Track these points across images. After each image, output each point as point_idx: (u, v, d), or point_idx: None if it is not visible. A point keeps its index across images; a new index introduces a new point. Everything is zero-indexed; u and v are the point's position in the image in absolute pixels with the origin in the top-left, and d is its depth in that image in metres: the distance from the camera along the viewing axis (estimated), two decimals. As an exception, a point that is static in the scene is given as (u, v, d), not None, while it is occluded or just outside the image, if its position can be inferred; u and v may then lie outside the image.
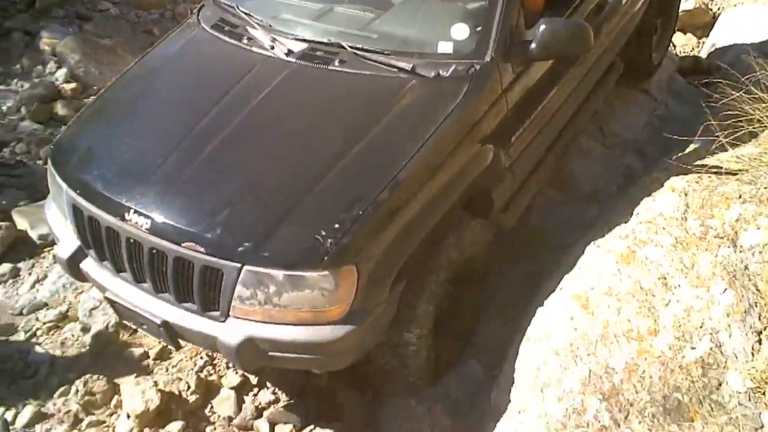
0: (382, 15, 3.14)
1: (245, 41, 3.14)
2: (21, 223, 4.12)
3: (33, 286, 3.77)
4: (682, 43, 5.82)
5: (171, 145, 2.72)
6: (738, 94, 3.11)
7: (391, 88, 2.80)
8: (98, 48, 5.49)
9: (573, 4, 3.35)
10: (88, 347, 3.34)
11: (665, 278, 2.58)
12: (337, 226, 2.36)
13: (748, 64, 3.33)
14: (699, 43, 5.87)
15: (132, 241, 2.55)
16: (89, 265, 2.78)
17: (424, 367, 2.86)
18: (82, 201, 2.70)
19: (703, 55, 5.45)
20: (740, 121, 3.08)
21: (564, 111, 3.53)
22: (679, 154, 3.35)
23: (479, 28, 2.92)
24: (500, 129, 2.92)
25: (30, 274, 3.84)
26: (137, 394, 2.99)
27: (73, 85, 5.27)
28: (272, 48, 3.04)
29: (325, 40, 3.00)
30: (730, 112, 3.13)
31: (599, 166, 4.10)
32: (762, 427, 2.01)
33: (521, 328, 2.93)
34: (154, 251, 2.50)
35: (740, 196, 2.83)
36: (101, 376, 3.16)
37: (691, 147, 3.37)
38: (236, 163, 2.67)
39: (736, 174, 3.00)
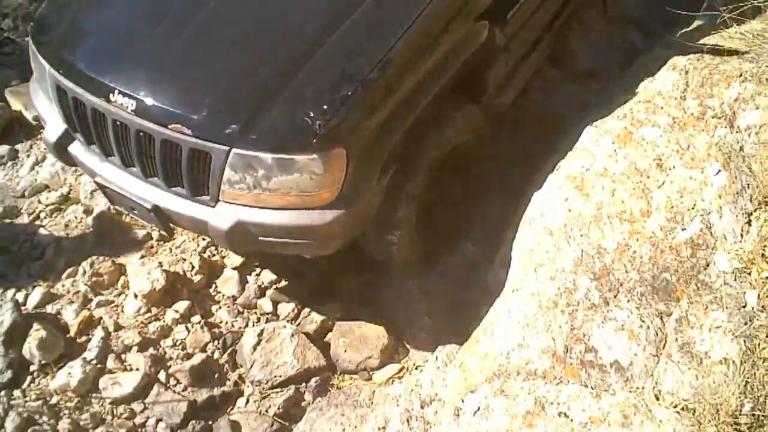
0: None
1: None
2: (15, 103, 4.08)
3: (32, 168, 3.79)
4: None
5: (155, 21, 2.63)
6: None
7: None
8: None
9: None
10: (91, 229, 3.40)
11: (660, 159, 2.59)
12: (325, 107, 2.31)
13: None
14: None
15: (118, 123, 2.51)
16: (77, 148, 2.75)
17: (410, 259, 2.91)
18: (65, 81, 2.62)
19: None
20: (747, -5, 2.99)
21: None
22: (682, 31, 3.26)
23: None
24: (496, 4, 2.81)
25: (28, 156, 3.85)
26: (143, 275, 3.08)
27: (57, -45, 5.05)
28: None
29: None
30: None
31: (600, 42, 4.00)
32: (745, 305, 2.09)
33: (518, 210, 2.98)
34: (141, 134, 2.47)
35: (741, 75, 2.80)
36: (107, 258, 3.25)
37: (695, 23, 3.28)
38: (223, 42, 2.58)
39: (739, 52, 2.95)
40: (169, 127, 2.38)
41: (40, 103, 2.90)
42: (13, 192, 3.68)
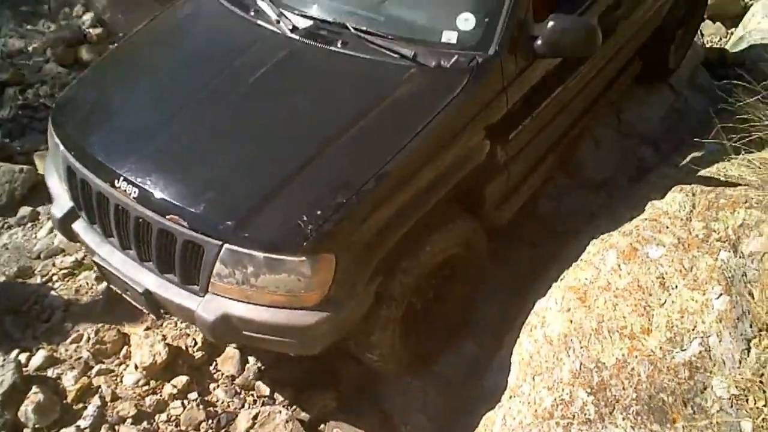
0: None
1: (252, 13, 3.12)
2: (41, 167, 4.21)
3: (51, 231, 3.87)
4: (711, 32, 5.76)
5: (167, 116, 2.75)
6: (752, 100, 3.12)
7: (390, 75, 2.76)
8: (126, -5, 5.54)
9: (587, 2, 3.24)
10: (101, 296, 3.46)
11: (663, 278, 2.64)
12: (319, 212, 2.36)
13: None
14: (728, 33, 5.81)
15: (120, 208, 2.60)
16: (80, 226, 2.84)
17: (393, 365, 2.91)
18: (76, 163, 2.74)
19: (730, 46, 5.40)
20: (754, 125, 3.11)
21: (571, 109, 3.47)
22: (692, 154, 3.38)
23: (486, 20, 2.84)
24: (499, 124, 2.86)
25: (49, 219, 3.94)
26: (146, 347, 3.12)
27: (98, 30, 5.32)
28: (278, 23, 3.01)
29: (331, 19, 2.98)
30: (744, 116, 3.15)
31: (612, 154, 4.12)
32: (739, 434, 2.10)
33: (520, 314, 3.02)
34: (140, 220, 2.54)
35: (746, 201, 2.88)
36: (113, 326, 3.29)
37: (705, 147, 3.39)
38: (228, 140, 2.68)
39: (745, 179, 3.04)
40: (167, 217, 2.46)
41: (51, 178, 3.02)
42: (29, 253, 3.76)
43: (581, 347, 2.49)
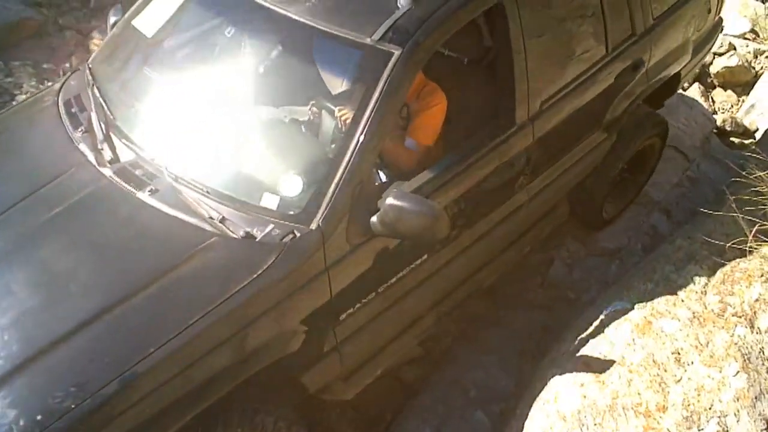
0: (227, 142, 2.71)
1: (80, 132, 2.73)
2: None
3: None
4: (722, 99, 5.80)
5: None
6: (764, 174, 3.12)
7: (185, 243, 2.34)
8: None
9: (476, 154, 2.81)
10: None
11: (679, 353, 2.60)
12: (39, 418, 1.95)
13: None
14: (739, 101, 5.85)
15: None
16: None
17: None
18: None
19: (741, 115, 5.43)
20: (766, 198, 3.10)
21: (447, 274, 2.95)
22: (705, 225, 3.36)
23: (313, 187, 2.43)
24: (322, 309, 2.43)
25: None
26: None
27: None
28: (101, 149, 2.64)
29: (149, 158, 2.58)
30: (756, 188, 3.15)
31: (624, 222, 4.10)
32: None
33: (531, 383, 2.97)
34: None
35: (762, 275, 2.85)
36: None
37: (718, 219, 3.38)
38: None
39: (761, 252, 3.01)
40: None
41: None
42: None
43: (595, 424, 2.44)
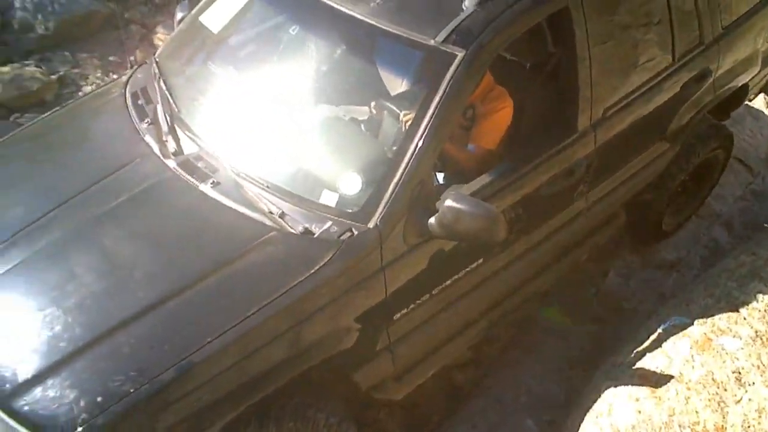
0: (288, 138, 2.75)
1: (146, 124, 2.79)
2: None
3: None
4: (789, 110, 5.63)
5: (6, 236, 2.46)
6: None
7: (245, 236, 2.38)
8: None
9: (536, 160, 2.80)
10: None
11: (740, 373, 2.53)
12: (99, 399, 2.00)
13: None
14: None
15: None
16: None
17: None
18: None
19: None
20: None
21: (499, 283, 2.94)
22: (769, 240, 3.26)
23: (372, 186, 2.44)
24: (376, 308, 2.45)
25: None
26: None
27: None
28: (165, 141, 2.68)
29: (212, 151, 2.63)
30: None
31: (684, 233, 4.00)
32: None
33: (584, 395, 2.92)
34: None
35: (831, 291, 2.76)
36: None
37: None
38: (41, 286, 2.33)
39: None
40: None
41: None
42: None
43: (650, 441, 2.39)
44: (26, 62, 5.22)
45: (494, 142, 2.87)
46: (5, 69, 5.02)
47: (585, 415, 2.67)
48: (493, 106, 2.86)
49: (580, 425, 2.66)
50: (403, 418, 3.15)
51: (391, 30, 2.61)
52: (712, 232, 4.01)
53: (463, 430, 3.01)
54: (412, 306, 2.59)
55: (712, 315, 2.79)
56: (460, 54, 2.48)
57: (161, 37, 5.58)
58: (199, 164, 2.61)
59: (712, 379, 2.51)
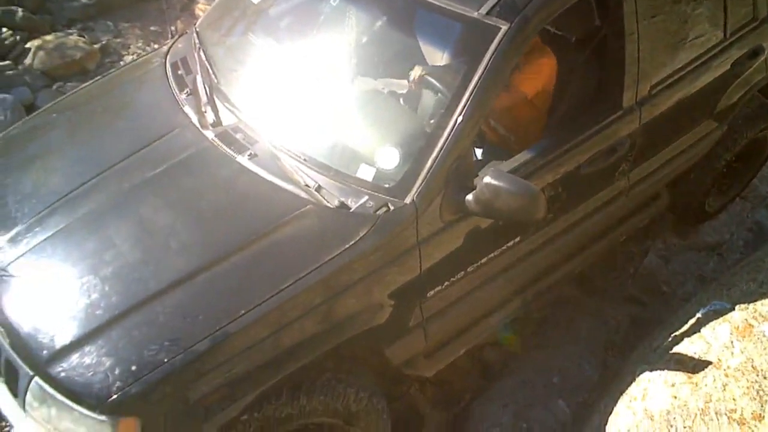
0: (326, 111, 2.71)
1: (185, 94, 2.80)
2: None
3: None
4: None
5: (40, 207, 2.49)
6: None
7: (281, 209, 2.37)
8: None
9: (578, 137, 2.73)
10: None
11: (781, 361, 2.47)
12: (134, 368, 2.03)
13: None
14: None
15: None
16: None
17: None
18: None
19: None
20: None
21: (535, 261, 2.92)
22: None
23: (410, 161, 2.40)
24: (410, 284, 2.43)
25: None
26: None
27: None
28: (204, 111, 2.68)
29: (250, 123, 2.63)
30: None
31: (726, 216, 3.91)
32: None
33: (617, 377, 2.89)
34: None
35: None
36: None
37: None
38: (79, 253, 2.35)
39: None
40: None
41: None
42: None
43: (684, 427, 2.34)
44: (69, 31, 5.30)
45: (533, 90, 2.83)
46: (49, 37, 5.09)
47: (618, 398, 2.64)
48: (536, 55, 2.83)
49: (613, 408, 2.62)
50: (433, 394, 3.16)
51: (433, 1, 2.56)
52: (756, 214, 3.92)
53: (494, 409, 2.99)
54: (446, 283, 2.56)
55: (754, 300, 2.72)
56: (503, 27, 2.42)
57: (202, 8, 5.60)
58: (237, 136, 2.60)
59: (752, 367, 2.45)
